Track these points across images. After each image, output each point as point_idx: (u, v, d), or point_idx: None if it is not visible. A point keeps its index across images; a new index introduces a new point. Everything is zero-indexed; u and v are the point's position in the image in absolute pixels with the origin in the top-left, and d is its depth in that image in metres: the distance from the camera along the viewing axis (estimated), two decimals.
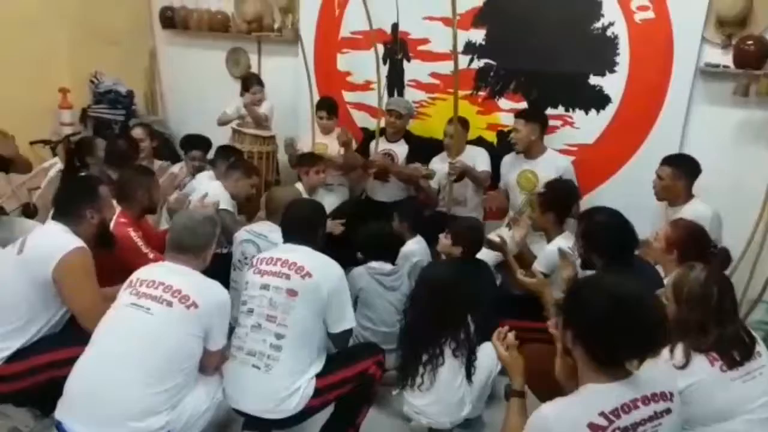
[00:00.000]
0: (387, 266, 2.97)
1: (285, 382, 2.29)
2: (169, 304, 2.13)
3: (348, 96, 4.76)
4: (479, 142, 4.24)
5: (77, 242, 2.35)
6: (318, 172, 3.95)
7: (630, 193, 3.70)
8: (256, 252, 2.96)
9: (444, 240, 3.17)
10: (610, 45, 3.81)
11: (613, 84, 3.85)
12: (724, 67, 3.54)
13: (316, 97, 4.57)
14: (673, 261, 2.71)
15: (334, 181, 4.46)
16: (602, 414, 1.55)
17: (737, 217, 3.37)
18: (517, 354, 2.03)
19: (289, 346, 2.31)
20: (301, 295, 2.34)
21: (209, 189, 3.52)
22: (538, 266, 3.21)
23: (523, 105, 4.12)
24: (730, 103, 3.59)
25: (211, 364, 2.29)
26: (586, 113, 3.96)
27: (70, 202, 2.47)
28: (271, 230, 3.03)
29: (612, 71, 3.83)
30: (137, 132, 4.19)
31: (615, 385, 1.61)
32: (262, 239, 3.02)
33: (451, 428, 2.61)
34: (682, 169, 3.26)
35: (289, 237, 2.56)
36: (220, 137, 4.60)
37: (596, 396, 1.61)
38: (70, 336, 2.34)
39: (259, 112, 4.49)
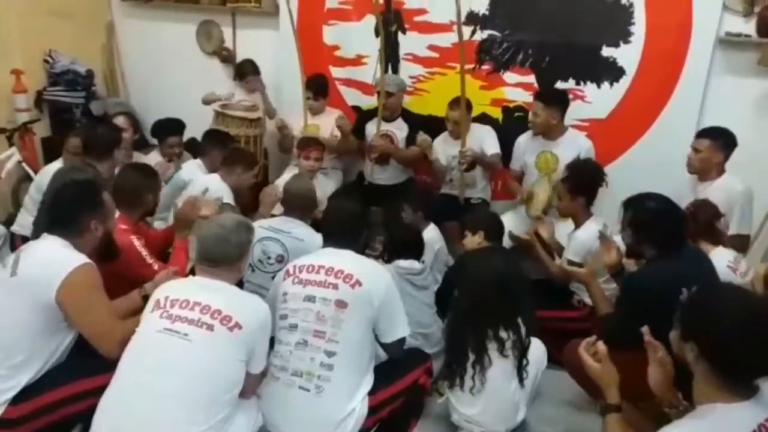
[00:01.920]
0: (416, 264, 2.74)
1: (339, 404, 2.08)
2: (210, 327, 1.88)
3: (336, 72, 4.43)
4: (483, 119, 4.01)
5: (81, 258, 2.04)
6: (307, 158, 3.69)
7: (644, 170, 3.60)
8: (282, 250, 2.70)
9: (466, 239, 2.99)
10: (624, 13, 3.62)
11: (627, 55, 3.67)
12: (746, 36, 3.41)
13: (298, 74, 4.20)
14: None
15: (327, 164, 4.16)
16: None
17: (757, 191, 3.27)
18: (611, 366, 1.84)
19: (341, 365, 2.09)
20: (351, 306, 2.12)
21: (208, 183, 3.19)
22: (569, 255, 3.05)
23: (531, 79, 3.92)
24: (751, 74, 3.49)
25: (251, 387, 2.06)
26: (599, 86, 3.78)
27: (69, 211, 2.13)
28: (294, 225, 2.77)
29: (626, 42, 3.66)
30: (120, 121, 3.78)
31: (747, 405, 1.48)
32: (286, 236, 2.73)
33: None
34: (720, 142, 3.15)
35: (330, 240, 2.32)
36: (192, 120, 4.23)
37: (729, 418, 1.47)
38: (84, 365, 2.07)
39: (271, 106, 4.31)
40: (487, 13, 3.91)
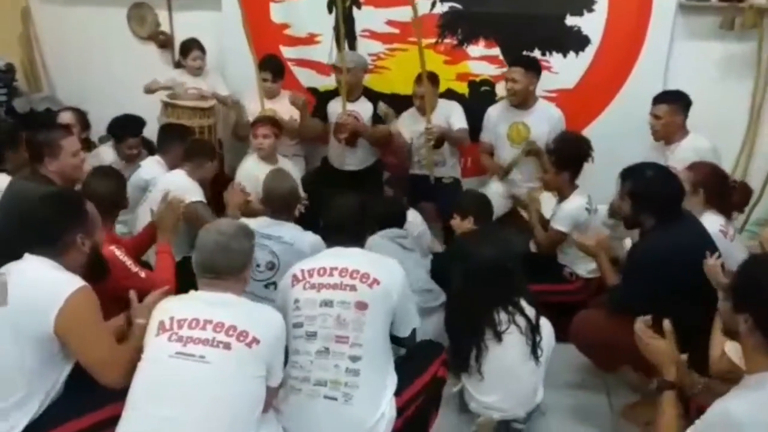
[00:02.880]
0: (399, 230, 2.73)
1: (369, 409, 1.96)
2: (227, 346, 1.72)
3: (288, 52, 4.19)
4: (449, 94, 3.92)
5: (76, 281, 1.80)
6: (266, 136, 3.47)
7: (613, 136, 3.63)
8: (272, 257, 2.52)
9: (455, 222, 2.99)
10: None
11: (591, 23, 3.68)
12: (706, 0, 3.46)
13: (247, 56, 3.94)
14: (699, 202, 2.67)
15: (288, 151, 3.96)
16: None
17: (723, 150, 3.38)
18: (672, 344, 1.82)
19: (367, 369, 1.98)
20: (372, 306, 2.00)
21: (175, 182, 2.95)
22: (558, 226, 3.05)
23: (496, 51, 3.86)
24: (712, 37, 3.57)
25: (269, 402, 1.90)
26: (565, 56, 3.78)
27: (52, 227, 1.87)
28: (280, 228, 2.59)
29: (590, 10, 3.66)
30: (65, 117, 3.41)
31: None
32: (275, 242, 2.54)
33: (526, 416, 2.41)
34: (678, 104, 3.24)
35: (335, 240, 2.18)
36: (132, 111, 3.88)
37: None
38: (88, 397, 1.84)
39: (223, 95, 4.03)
40: None
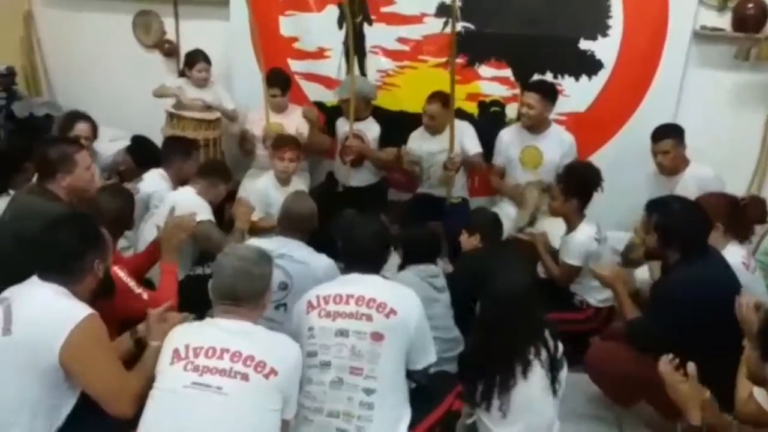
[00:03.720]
0: (433, 267, 2.61)
1: None
2: (245, 377, 1.67)
3: (295, 65, 4.15)
4: (458, 113, 3.86)
5: (83, 309, 1.75)
6: (292, 160, 3.43)
7: (623, 162, 3.62)
8: (285, 277, 2.44)
9: (463, 237, 2.97)
10: (602, 7, 3.62)
11: (605, 48, 3.67)
12: (720, 30, 3.49)
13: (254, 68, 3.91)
14: (719, 235, 2.64)
15: None
16: None
17: (731, 180, 3.37)
18: (699, 386, 1.78)
19: (381, 402, 1.94)
20: (388, 337, 1.96)
21: (184, 200, 2.89)
22: (569, 260, 3.00)
23: (507, 73, 3.84)
24: (726, 67, 3.58)
25: None
26: (577, 80, 3.76)
27: (73, 256, 1.83)
28: (293, 247, 2.52)
29: (604, 35, 3.65)
30: (82, 128, 3.33)
31: None
32: (288, 261, 2.47)
33: None
34: (679, 137, 3.26)
35: (354, 266, 2.13)
36: (133, 118, 3.94)
37: None
38: (93, 428, 1.76)
39: (228, 109, 3.98)
40: (460, 4, 3.76)
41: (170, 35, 4.48)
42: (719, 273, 2.35)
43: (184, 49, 4.33)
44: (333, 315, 1.98)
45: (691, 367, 1.81)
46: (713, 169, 3.22)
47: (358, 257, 2.14)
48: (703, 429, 1.74)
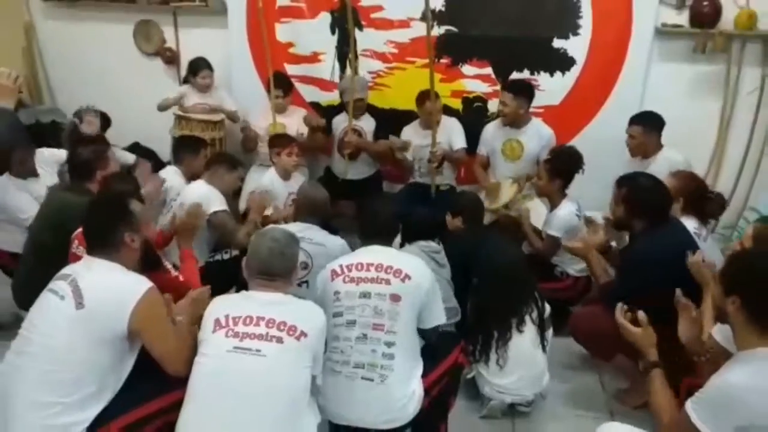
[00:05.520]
0: (433, 244, 2.90)
1: (402, 389, 2.20)
2: (279, 340, 1.92)
3: (292, 69, 4.42)
4: (444, 110, 4.17)
5: (144, 282, 1.98)
6: (290, 154, 3.68)
7: (596, 149, 3.89)
8: (305, 257, 2.71)
9: (448, 218, 3.23)
10: (572, 8, 3.94)
11: (576, 46, 4.00)
12: (679, 26, 3.83)
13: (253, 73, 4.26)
14: (678, 208, 2.98)
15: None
16: None
17: (695, 164, 3.71)
18: (650, 329, 2.09)
19: (400, 353, 2.21)
20: (404, 298, 2.24)
21: (197, 192, 3.16)
22: (551, 231, 3.32)
23: (488, 71, 4.16)
24: (685, 60, 3.93)
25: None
26: (551, 75, 4.09)
27: (101, 230, 2.06)
28: (313, 232, 2.81)
29: (575, 34, 3.98)
30: (90, 118, 3.60)
31: None
32: (308, 243, 2.74)
33: (533, 399, 2.70)
34: (649, 125, 3.55)
35: (371, 239, 2.42)
36: (134, 124, 4.16)
37: None
38: (148, 385, 2.01)
39: (231, 110, 4.26)
40: (443, 9, 4.09)
41: (170, 43, 4.73)
42: (680, 237, 2.68)
43: (184, 56, 4.60)
44: (356, 280, 2.25)
45: (641, 314, 2.11)
46: (684, 155, 3.52)
47: (374, 232, 2.42)
48: (659, 364, 2.02)
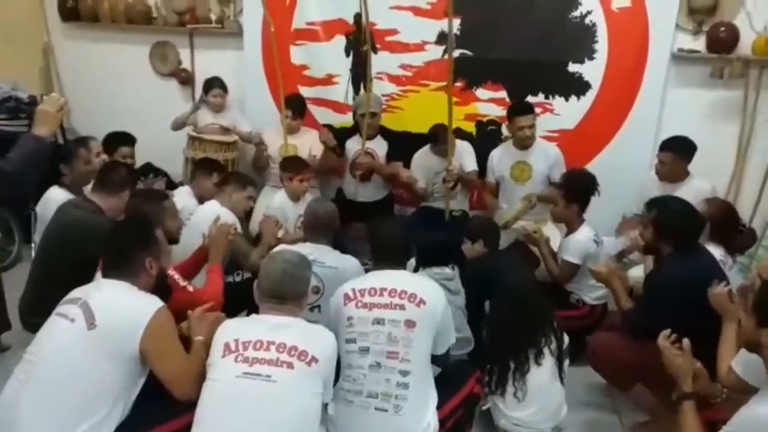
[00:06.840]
0: (447, 270, 2.81)
1: (417, 420, 2.14)
2: (290, 365, 1.89)
3: (306, 91, 4.44)
4: (457, 133, 4.15)
5: (156, 301, 1.97)
6: (302, 180, 3.67)
7: (612, 174, 3.85)
8: (317, 281, 2.66)
9: (465, 246, 3.14)
10: (588, 33, 3.93)
11: (592, 70, 3.98)
12: (696, 51, 3.81)
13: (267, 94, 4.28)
14: (705, 234, 2.90)
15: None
16: None
17: None
18: (690, 358, 2.03)
19: (415, 382, 2.15)
20: (419, 324, 2.18)
21: (210, 211, 3.13)
22: (569, 258, 3.25)
23: (502, 94, 4.15)
24: (701, 85, 3.89)
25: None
26: (567, 100, 4.07)
27: (124, 252, 2.06)
28: (323, 253, 2.75)
29: (591, 58, 3.97)
30: (125, 152, 3.69)
31: None
32: (319, 266, 2.69)
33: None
34: (680, 151, 3.49)
35: (383, 262, 2.38)
36: (149, 144, 4.13)
37: None
38: (159, 408, 1.98)
39: (245, 131, 4.26)
40: (458, 32, 4.09)
41: (186, 64, 4.78)
42: (707, 265, 2.60)
43: (200, 77, 4.63)
44: (369, 306, 2.20)
45: (686, 342, 2.04)
46: (712, 185, 3.46)
47: (386, 254, 2.38)
48: (694, 396, 1.97)
